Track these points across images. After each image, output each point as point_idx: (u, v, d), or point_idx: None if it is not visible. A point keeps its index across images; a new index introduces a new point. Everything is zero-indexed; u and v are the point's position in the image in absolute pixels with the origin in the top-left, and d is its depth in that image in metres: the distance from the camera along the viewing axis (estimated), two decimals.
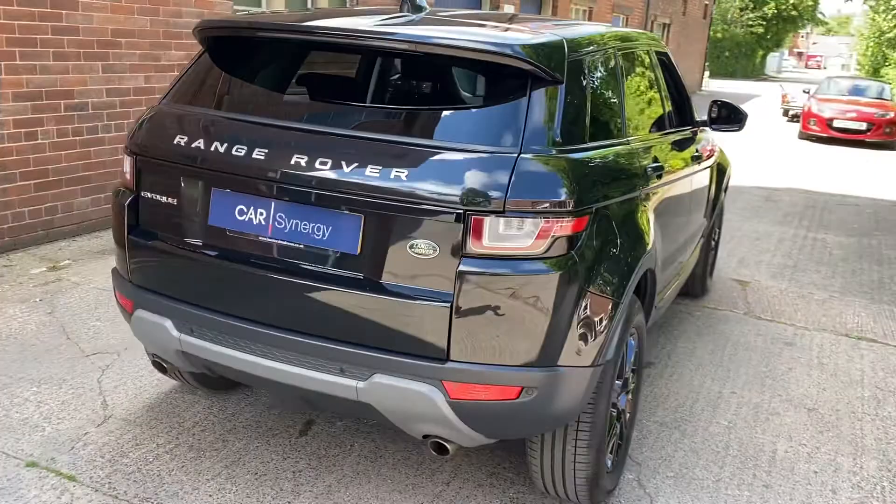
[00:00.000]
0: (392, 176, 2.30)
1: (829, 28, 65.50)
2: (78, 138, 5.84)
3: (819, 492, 3.15)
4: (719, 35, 44.64)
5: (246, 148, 2.49)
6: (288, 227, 2.48)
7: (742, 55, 48.70)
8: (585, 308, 2.41)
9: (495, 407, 2.37)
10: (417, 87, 3.03)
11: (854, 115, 16.25)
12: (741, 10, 48.36)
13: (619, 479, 3.02)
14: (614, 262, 2.58)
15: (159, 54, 6.37)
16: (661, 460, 3.30)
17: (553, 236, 2.30)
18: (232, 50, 2.85)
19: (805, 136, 16.95)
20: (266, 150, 2.46)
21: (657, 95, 3.77)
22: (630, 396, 3.08)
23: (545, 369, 2.37)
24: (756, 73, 52.33)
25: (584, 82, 2.67)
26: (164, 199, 2.69)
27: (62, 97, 5.65)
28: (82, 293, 4.77)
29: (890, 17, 25.78)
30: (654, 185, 3.20)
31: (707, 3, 29.85)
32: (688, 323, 5.00)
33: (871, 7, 40.99)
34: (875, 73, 49.53)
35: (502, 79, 2.49)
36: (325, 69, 3.05)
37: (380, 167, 2.32)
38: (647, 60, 3.76)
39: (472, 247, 2.27)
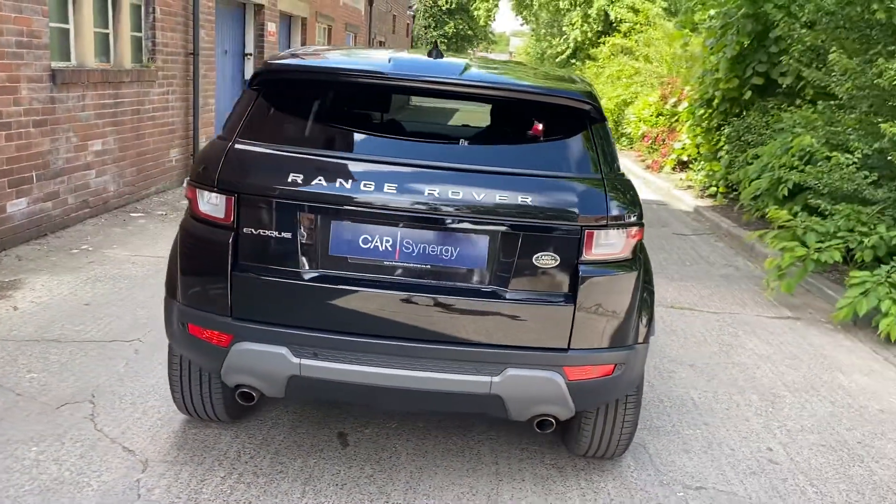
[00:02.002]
0: (519, 201, 2.78)
1: (495, 44, 73.33)
2: None
3: (735, 425, 4.18)
4: None
5: (372, 184, 2.77)
6: (416, 251, 2.82)
7: None
8: (644, 297, 3.10)
9: (596, 383, 2.97)
10: (501, 125, 3.46)
11: None
12: (425, 27, 52.26)
13: None
14: (648, 262, 3.31)
15: None
16: None
17: (632, 243, 2.96)
18: (309, 89, 3.06)
19: None
20: (391, 185, 2.77)
21: None
22: None
23: (629, 348, 3.02)
24: None
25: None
26: (274, 233, 2.83)
27: None
28: None
29: (560, 40, 30.08)
30: None
31: (408, 22, 32.10)
32: None
33: (533, 31, 46.90)
34: None
35: (568, 118, 3.07)
36: (409, 110, 3.34)
37: (506, 194, 2.79)
38: None
39: (585, 255, 2.84)
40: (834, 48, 6.21)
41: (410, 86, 3.02)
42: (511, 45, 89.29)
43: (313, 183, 2.79)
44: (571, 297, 2.83)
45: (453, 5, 52.45)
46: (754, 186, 7.98)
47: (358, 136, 3.04)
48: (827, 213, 6.57)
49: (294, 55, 3.32)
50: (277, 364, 2.86)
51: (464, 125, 3.54)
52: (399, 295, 2.83)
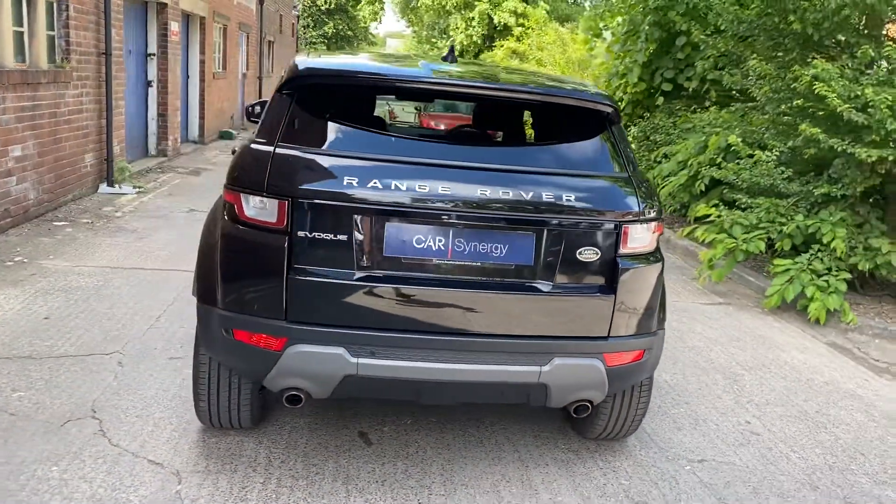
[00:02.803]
0: (563, 200, 2.96)
1: (374, 45, 73.20)
2: None
3: (711, 402, 4.53)
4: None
5: (426, 185, 2.87)
6: (467, 249, 2.94)
7: None
8: (663, 286, 3.35)
9: (629, 367, 3.18)
10: (536, 128, 3.57)
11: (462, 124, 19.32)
12: (304, 27, 51.49)
13: None
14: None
15: None
16: None
17: (656, 237, 3.20)
18: (348, 94, 3.10)
19: None
20: (444, 186, 2.88)
21: None
22: None
23: (653, 334, 3.25)
24: None
25: None
26: (329, 236, 2.87)
27: None
28: None
29: (445, 43, 30.54)
30: None
31: (293, 22, 31.58)
32: None
33: (415, 33, 47.27)
34: None
35: (593, 120, 3.26)
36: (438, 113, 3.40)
37: (551, 194, 2.95)
38: None
39: (622, 249, 3.05)
40: (754, 55, 6.77)
41: (450, 91, 3.13)
42: (388, 46, 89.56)
43: (368, 186, 2.85)
44: (611, 289, 3.04)
45: (332, 6, 51.98)
46: (673, 183, 8.52)
47: (404, 140, 3.11)
48: (744, 206, 7.14)
49: (317, 61, 3.33)
50: (334, 364, 2.90)
51: (492, 128, 3.66)
52: (452, 292, 2.94)
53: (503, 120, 3.46)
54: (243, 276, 2.98)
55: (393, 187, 2.86)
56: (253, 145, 3.06)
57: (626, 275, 3.04)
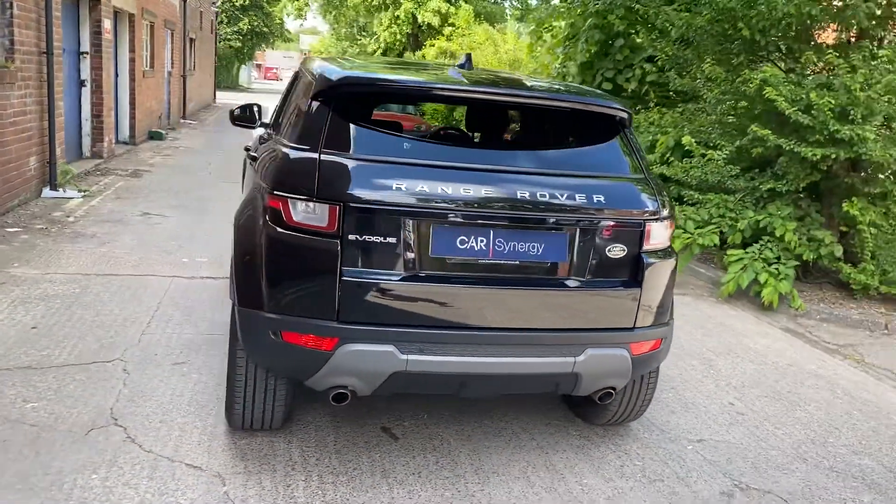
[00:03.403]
0: (594, 201, 3.16)
1: (291, 42, 72.18)
2: None
3: (694, 386, 4.84)
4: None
5: (470, 189, 3.02)
6: (507, 248, 3.10)
7: (223, 68, 50.83)
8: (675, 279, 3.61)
9: (649, 355, 3.42)
10: (555, 133, 3.72)
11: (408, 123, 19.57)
12: (219, 23, 50.29)
13: None
14: None
15: None
16: None
17: (670, 233, 3.45)
18: (385, 101, 3.21)
19: None
20: (487, 189, 3.04)
21: None
22: None
23: (667, 324, 3.50)
24: (234, 84, 55.20)
25: None
26: (378, 239, 2.98)
27: None
28: None
29: (370, 40, 30.53)
30: None
31: (212, 19, 30.87)
32: None
33: (333, 30, 46.97)
34: None
35: (609, 125, 3.48)
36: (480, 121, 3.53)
37: (583, 195, 3.15)
38: None
39: (645, 245, 3.28)
40: (708, 60, 7.18)
41: (485, 99, 3.28)
42: (302, 43, 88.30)
43: (416, 190, 2.98)
44: (637, 283, 3.26)
45: (247, 2, 50.90)
46: None
47: (444, 145, 3.25)
48: (694, 202, 7.56)
49: (353, 70, 3.42)
50: (385, 362, 3.02)
51: (519, 133, 3.80)
52: (494, 289, 3.10)
53: (530, 125, 3.62)
54: (293, 279, 3.05)
55: (439, 191, 3.00)
56: (294, 152, 3.13)
57: (650, 269, 3.28)
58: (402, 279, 3.02)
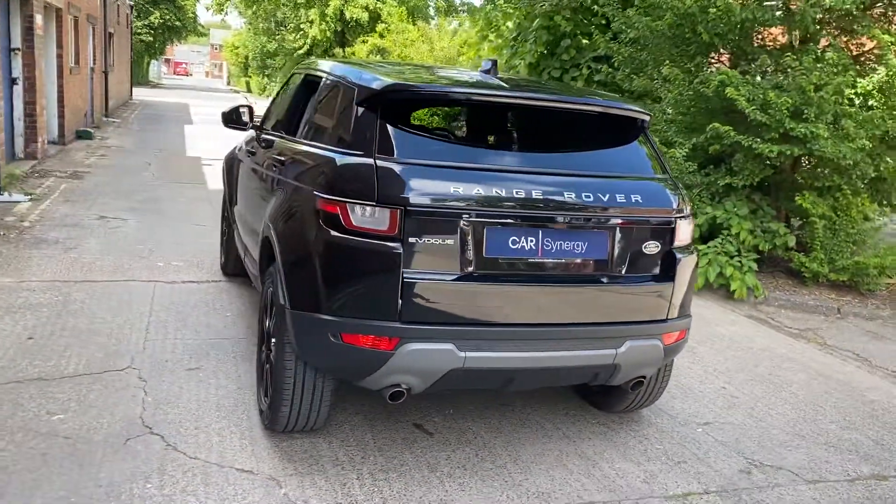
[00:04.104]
0: (632, 200, 3.35)
1: (204, 36, 70.19)
2: None
3: (685, 373, 5.12)
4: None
5: (522, 191, 3.15)
6: (554, 247, 3.25)
7: (134, 63, 49.07)
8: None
9: (676, 345, 3.64)
10: (585, 136, 3.82)
11: None
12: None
13: None
14: None
15: None
16: None
17: (692, 230, 3.67)
18: (434, 108, 3.30)
19: None
20: (537, 191, 3.18)
21: None
22: None
23: (690, 315, 3.73)
24: (145, 80, 53.37)
25: None
26: (437, 241, 3.07)
27: None
28: None
29: (296, 36, 30.11)
30: None
31: (127, 13, 29.80)
32: None
33: (251, 24, 46.03)
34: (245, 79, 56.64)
35: (633, 128, 3.67)
36: (511, 126, 3.63)
37: (622, 195, 3.33)
38: None
39: (676, 242, 3.49)
40: (667, 62, 7.51)
41: (527, 104, 3.42)
42: (213, 37, 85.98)
43: (472, 193, 3.09)
44: (671, 277, 3.46)
45: None
46: None
47: (490, 149, 3.36)
48: None
49: (401, 78, 3.47)
50: (444, 359, 3.12)
51: (554, 136, 3.87)
52: (543, 286, 3.25)
53: (562, 129, 3.73)
54: (353, 281, 3.11)
55: (493, 193, 3.11)
56: (345, 157, 3.19)
57: (681, 264, 3.49)
58: (459, 279, 3.13)
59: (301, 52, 29.39)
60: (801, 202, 7.07)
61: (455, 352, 3.11)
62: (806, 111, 6.68)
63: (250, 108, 5.23)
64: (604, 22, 10.71)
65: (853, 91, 7.01)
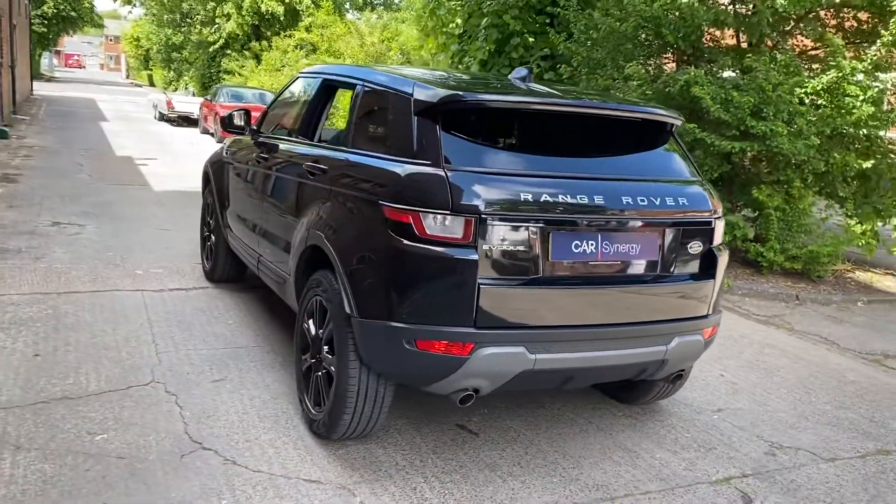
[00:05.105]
0: (679, 203, 3.52)
1: (103, 27, 67.15)
2: None
3: None
4: None
5: (585, 197, 3.27)
6: (611, 250, 3.39)
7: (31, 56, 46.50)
8: None
9: (712, 339, 3.85)
10: (632, 142, 3.90)
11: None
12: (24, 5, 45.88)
13: None
14: None
15: None
16: None
17: (723, 229, 3.88)
18: (492, 117, 3.37)
19: (205, 131, 19.68)
20: (597, 197, 3.31)
21: None
22: None
23: (721, 311, 3.95)
24: (36, 74, 50.67)
25: None
26: (509, 247, 3.15)
27: None
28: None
29: (210, 30, 29.18)
30: None
31: (27, 3, 28.20)
32: None
33: (154, 16, 44.44)
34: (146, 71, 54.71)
35: (665, 132, 3.84)
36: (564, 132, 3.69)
37: (671, 198, 3.50)
38: None
39: (714, 241, 3.69)
40: (633, 62, 7.79)
41: (579, 112, 3.53)
42: (108, 29, 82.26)
43: (540, 200, 3.19)
44: (712, 275, 3.66)
45: None
46: None
47: (553, 158, 3.45)
48: None
49: (457, 88, 3.50)
50: (516, 362, 3.20)
51: (601, 143, 3.91)
52: (603, 288, 3.38)
53: (606, 135, 3.82)
54: (427, 289, 3.15)
55: (559, 199, 3.22)
56: (411, 167, 3.22)
57: (720, 262, 3.69)
58: (527, 283, 3.22)
59: (216, 45, 28.57)
60: (758, 195, 7.49)
61: (526, 354, 3.21)
62: (765, 110, 7.09)
63: (247, 113, 5.16)
64: (548, 21, 10.98)
65: (802, 91, 7.48)
